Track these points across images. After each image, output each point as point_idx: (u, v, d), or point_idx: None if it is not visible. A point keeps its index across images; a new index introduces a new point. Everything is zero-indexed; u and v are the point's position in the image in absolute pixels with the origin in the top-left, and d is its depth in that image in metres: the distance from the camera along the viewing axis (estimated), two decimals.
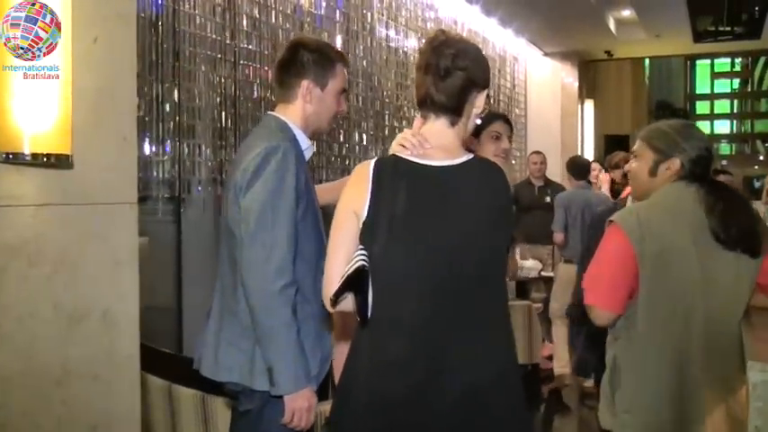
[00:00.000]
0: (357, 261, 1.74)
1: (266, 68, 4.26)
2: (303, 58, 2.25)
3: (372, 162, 1.84)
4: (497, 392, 1.80)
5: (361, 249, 1.77)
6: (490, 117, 2.90)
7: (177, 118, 3.79)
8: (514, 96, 8.59)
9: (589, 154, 9.19)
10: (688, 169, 2.33)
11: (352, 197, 1.82)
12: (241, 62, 4.12)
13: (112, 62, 2.42)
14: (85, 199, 2.33)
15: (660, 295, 2.18)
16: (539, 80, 9.03)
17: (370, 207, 1.78)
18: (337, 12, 5.04)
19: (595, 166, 6.58)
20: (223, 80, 4.05)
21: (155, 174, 3.82)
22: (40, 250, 2.19)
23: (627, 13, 7.61)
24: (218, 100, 4.04)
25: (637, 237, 2.18)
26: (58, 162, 2.16)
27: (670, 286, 2.18)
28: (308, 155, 2.28)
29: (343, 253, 1.78)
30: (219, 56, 4.03)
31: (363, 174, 1.82)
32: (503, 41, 8.07)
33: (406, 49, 5.98)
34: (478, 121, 1.99)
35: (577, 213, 5.62)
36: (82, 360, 2.32)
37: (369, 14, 5.37)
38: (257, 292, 2.06)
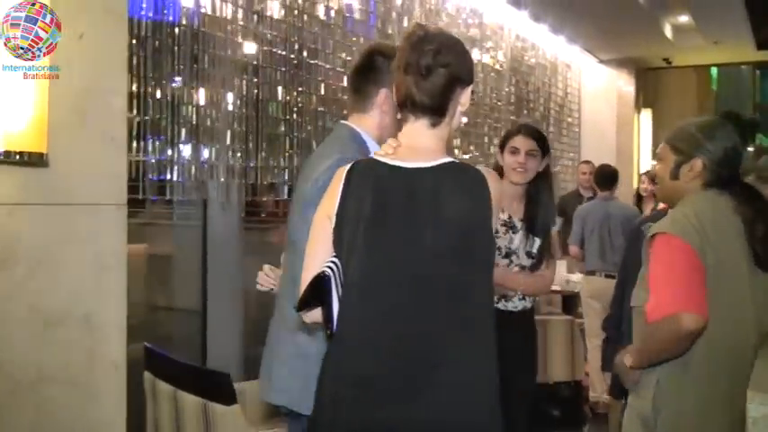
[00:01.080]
0: (322, 268, 1.66)
1: (291, 71, 4.18)
2: (380, 66, 2.11)
3: (349, 165, 1.75)
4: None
5: (334, 256, 1.69)
6: (511, 132, 3.05)
7: (197, 121, 3.75)
8: (566, 104, 8.35)
9: (646, 164, 8.87)
10: (713, 171, 2.17)
11: (327, 202, 1.75)
12: (264, 66, 4.05)
13: (100, 60, 2.37)
14: (67, 199, 2.28)
15: (716, 312, 1.99)
16: (593, 88, 8.76)
17: (338, 211, 1.70)
18: (371, 17, 4.94)
19: (644, 178, 6.32)
20: (246, 83, 3.99)
21: (176, 177, 3.78)
22: (12, 251, 2.14)
23: (684, 18, 7.30)
24: (239, 104, 3.99)
25: (699, 247, 2.02)
26: (32, 160, 2.11)
27: (724, 302, 2.02)
28: None
29: (319, 260, 1.70)
30: (243, 58, 3.98)
31: (338, 177, 1.75)
32: (555, 48, 7.85)
33: None
34: (464, 119, 1.87)
35: (595, 226, 5.46)
36: (59, 365, 2.27)
37: (406, 20, 5.25)
38: None
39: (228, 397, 2.57)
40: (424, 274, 1.65)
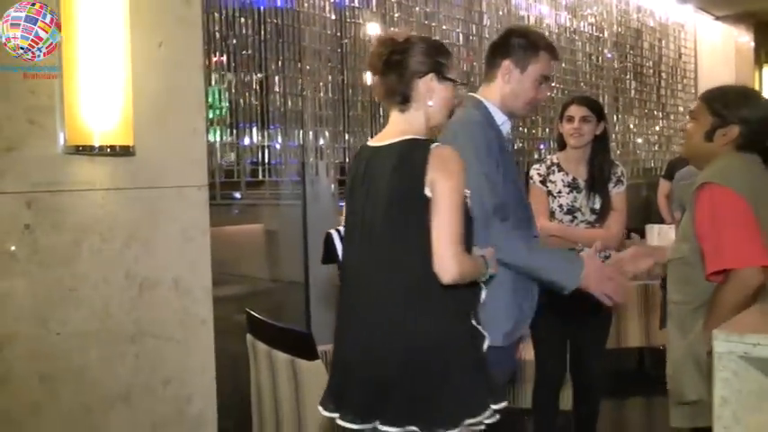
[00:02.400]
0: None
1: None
2: (510, 41, 2.45)
3: None
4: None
5: None
6: (565, 103, 3.45)
7: (297, 107, 4.08)
8: (680, 66, 8.10)
9: None
10: (747, 138, 2.24)
11: None
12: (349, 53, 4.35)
13: (178, 64, 2.77)
14: (154, 183, 2.70)
15: None
16: (709, 46, 8.43)
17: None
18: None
19: None
20: (338, 71, 4.30)
21: (280, 159, 4.12)
22: (110, 228, 2.59)
23: None
24: (334, 90, 4.30)
25: (750, 199, 2.10)
26: (120, 152, 2.54)
27: None
28: (505, 129, 2.47)
29: None
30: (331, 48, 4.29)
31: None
32: (666, 10, 7.66)
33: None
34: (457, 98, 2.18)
35: None
36: (154, 322, 2.70)
37: None
38: None
39: (311, 353, 2.83)
40: (373, 229, 2.02)
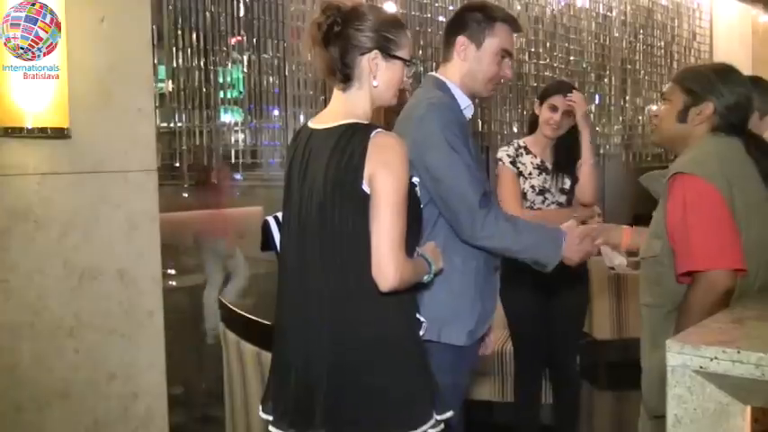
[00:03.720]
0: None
1: None
2: (464, 15, 2.29)
3: None
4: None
5: None
6: (550, 88, 3.27)
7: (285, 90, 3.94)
8: (694, 47, 7.80)
9: None
10: (723, 117, 2.06)
11: None
12: None
13: (123, 40, 2.60)
14: (95, 167, 2.55)
15: (746, 254, 1.93)
16: (725, 25, 8.11)
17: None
18: None
19: None
20: None
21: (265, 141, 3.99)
22: (46, 215, 2.44)
23: None
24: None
25: (725, 189, 1.94)
26: (54, 134, 2.38)
27: (754, 243, 1.95)
28: (467, 114, 2.30)
29: None
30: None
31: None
32: None
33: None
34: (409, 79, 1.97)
35: None
36: (96, 315, 2.56)
37: None
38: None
39: None
40: (307, 222, 1.82)
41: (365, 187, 1.75)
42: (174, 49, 3.30)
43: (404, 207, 1.76)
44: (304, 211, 1.84)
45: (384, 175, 1.73)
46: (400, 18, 2.01)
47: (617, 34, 6.51)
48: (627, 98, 6.61)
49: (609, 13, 6.40)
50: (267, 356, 2.74)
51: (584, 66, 6.06)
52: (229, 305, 3.12)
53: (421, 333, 1.90)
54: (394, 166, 1.74)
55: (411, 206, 1.81)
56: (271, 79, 3.89)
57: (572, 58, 5.90)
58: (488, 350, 2.49)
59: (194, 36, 3.39)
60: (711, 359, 1.48)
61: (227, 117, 3.78)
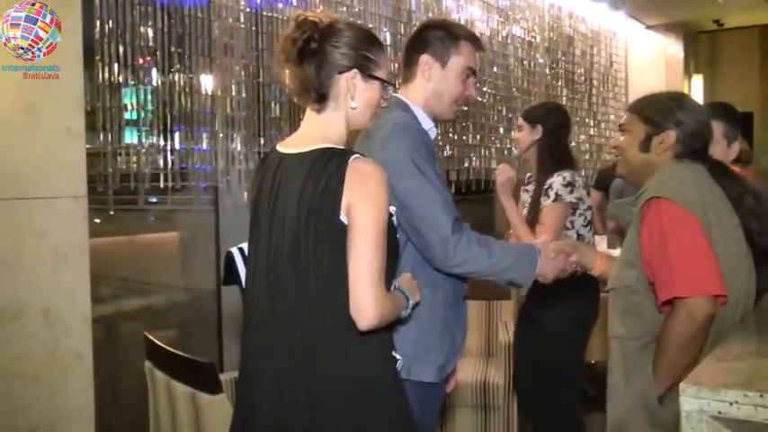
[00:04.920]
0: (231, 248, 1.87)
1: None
2: (426, 34, 2.21)
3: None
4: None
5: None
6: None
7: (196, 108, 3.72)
8: (612, 74, 8.01)
9: None
10: (685, 144, 2.05)
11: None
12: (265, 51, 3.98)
13: (50, 55, 2.34)
14: (17, 193, 2.28)
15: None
16: (641, 55, 8.37)
17: (250, 196, 1.85)
18: None
19: None
20: (251, 70, 3.93)
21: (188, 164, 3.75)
22: None
23: None
24: (246, 89, 3.94)
25: (700, 214, 1.89)
26: None
27: (727, 272, 1.88)
28: (431, 135, 2.21)
29: None
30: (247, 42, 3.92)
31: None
32: (597, 17, 7.54)
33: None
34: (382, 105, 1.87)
35: None
36: (16, 359, 2.27)
37: None
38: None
39: (213, 386, 2.54)
40: (278, 255, 1.68)
41: (342, 217, 1.61)
42: (101, 64, 3.04)
43: (384, 239, 1.63)
44: (275, 242, 1.69)
45: (364, 205, 1.60)
46: (377, 36, 1.88)
47: (541, 60, 6.58)
48: None
49: (533, 40, 6.47)
50: (205, 399, 2.56)
51: (513, 90, 6.08)
52: (156, 341, 2.89)
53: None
54: (374, 196, 1.61)
55: (389, 237, 1.67)
56: (201, 99, 3.68)
57: (499, 82, 5.91)
58: (450, 388, 2.37)
59: (121, 51, 3.15)
60: (732, 404, 1.38)
61: (139, 137, 3.53)
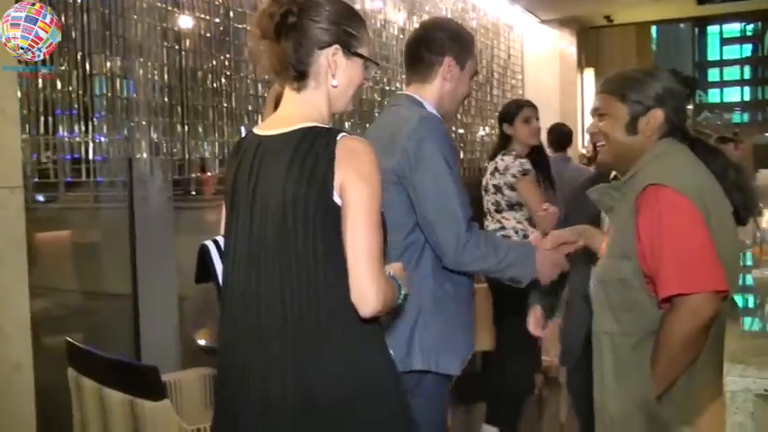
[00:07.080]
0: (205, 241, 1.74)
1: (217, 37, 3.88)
2: (443, 36, 2.27)
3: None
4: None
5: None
6: (520, 104, 3.96)
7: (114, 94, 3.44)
8: (510, 67, 8.17)
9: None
10: (671, 122, 1.95)
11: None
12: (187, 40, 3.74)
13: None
14: None
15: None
16: (536, 49, 8.60)
17: (227, 184, 1.73)
18: None
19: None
20: (168, 57, 3.68)
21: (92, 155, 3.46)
22: None
23: None
24: (165, 78, 3.68)
25: (701, 203, 1.80)
26: None
27: (724, 261, 1.81)
28: None
29: None
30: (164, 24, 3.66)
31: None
32: (496, 10, 7.65)
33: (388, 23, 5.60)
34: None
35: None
36: None
37: None
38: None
39: (157, 392, 2.42)
40: (261, 245, 1.60)
41: (336, 198, 1.52)
42: None
43: (380, 219, 1.55)
44: (256, 232, 1.58)
45: (358, 184, 1.52)
46: (359, 12, 1.76)
47: None
48: (459, 116, 6.71)
49: None
50: (147, 406, 2.40)
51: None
52: (79, 345, 2.67)
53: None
54: (368, 175, 1.54)
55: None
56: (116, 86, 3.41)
57: (404, 75, 5.84)
58: None
59: None
60: None
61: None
